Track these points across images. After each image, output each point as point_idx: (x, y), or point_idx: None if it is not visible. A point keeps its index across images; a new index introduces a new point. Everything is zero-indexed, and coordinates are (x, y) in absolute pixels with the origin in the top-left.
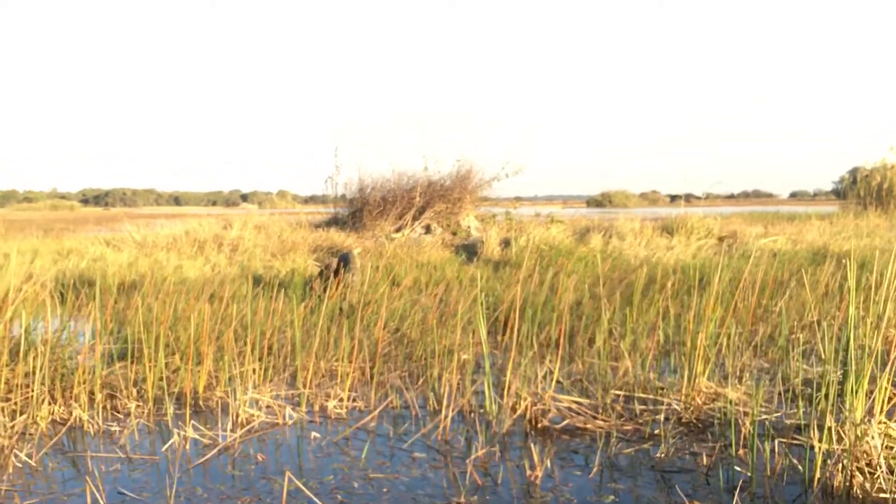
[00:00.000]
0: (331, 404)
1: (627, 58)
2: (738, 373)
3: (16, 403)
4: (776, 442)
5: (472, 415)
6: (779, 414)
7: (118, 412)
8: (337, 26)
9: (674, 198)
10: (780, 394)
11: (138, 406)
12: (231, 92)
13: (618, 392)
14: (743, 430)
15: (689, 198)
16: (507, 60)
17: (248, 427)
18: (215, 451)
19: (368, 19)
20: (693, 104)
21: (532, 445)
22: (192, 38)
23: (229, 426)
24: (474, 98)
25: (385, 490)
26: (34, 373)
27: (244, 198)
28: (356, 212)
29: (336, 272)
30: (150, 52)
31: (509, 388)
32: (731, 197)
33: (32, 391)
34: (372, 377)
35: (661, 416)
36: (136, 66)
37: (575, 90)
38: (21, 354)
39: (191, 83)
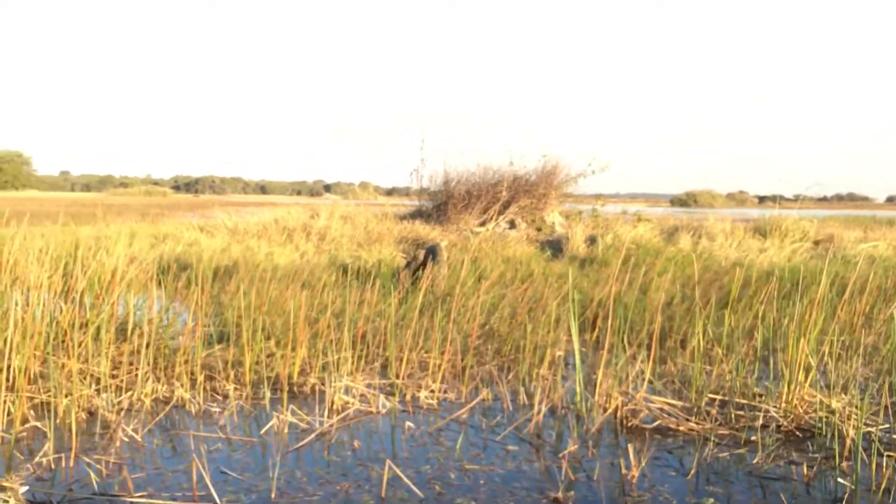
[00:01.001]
0: (422, 395)
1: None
2: (842, 382)
3: (121, 380)
4: (883, 457)
5: (563, 411)
6: (886, 426)
7: (217, 393)
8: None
9: (762, 199)
10: (887, 406)
11: (236, 389)
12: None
13: (713, 396)
14: (847, 441)
15: (778, 199)
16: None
17: (342, 414)
18: (312, 436)
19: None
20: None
21: (626, 445)
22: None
23: (325, 413)
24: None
25: (482, 482)
26: (139, 352)
27: (327, 188)
28: (440, 205)
29: (423, 264)
30: (239, 51)
31: (600, 386)
32: (824, 199)
33: (137, 369)
34: (463, 370)
35: (759, 423)
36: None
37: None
38: (127, 334)
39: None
